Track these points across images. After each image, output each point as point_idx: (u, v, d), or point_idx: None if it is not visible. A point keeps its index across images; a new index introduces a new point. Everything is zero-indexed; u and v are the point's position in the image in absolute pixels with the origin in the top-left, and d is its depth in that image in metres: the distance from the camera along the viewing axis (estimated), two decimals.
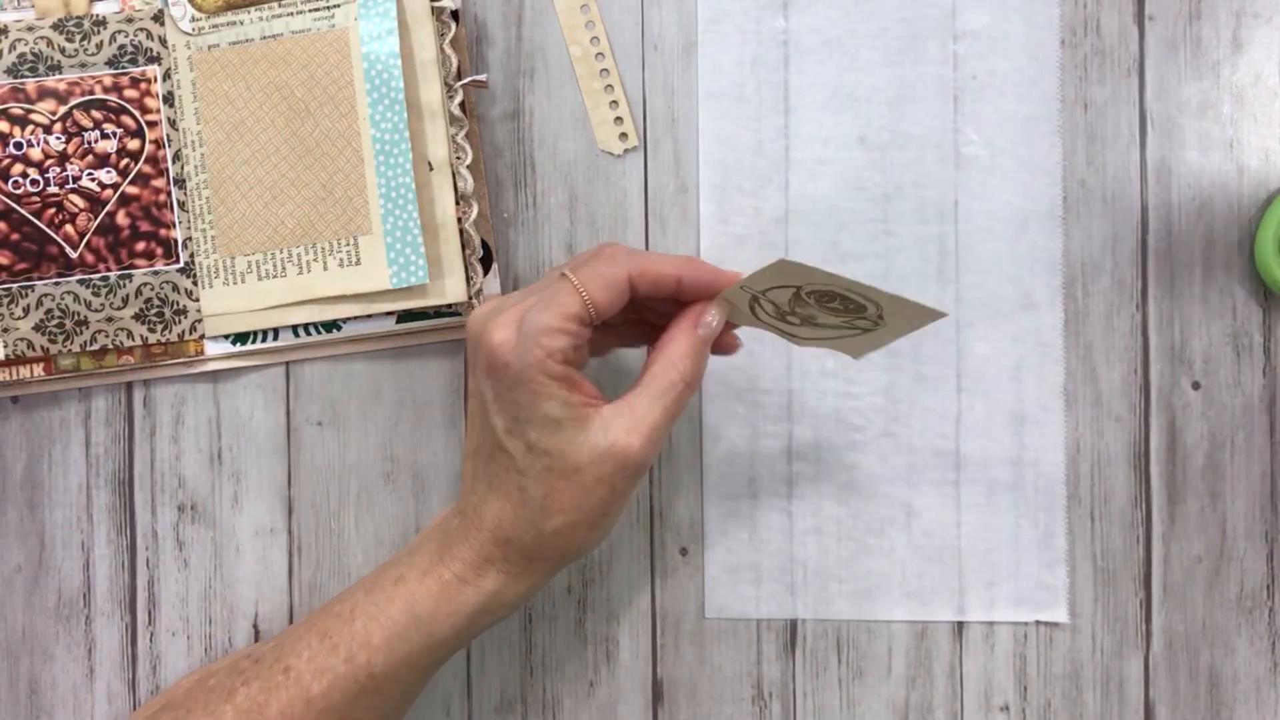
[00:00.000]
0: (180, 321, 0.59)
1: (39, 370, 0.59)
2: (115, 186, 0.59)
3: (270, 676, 0.52)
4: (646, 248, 0.60)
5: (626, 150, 0.60)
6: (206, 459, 0.61)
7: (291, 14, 0.58)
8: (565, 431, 0.49)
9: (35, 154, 0.58)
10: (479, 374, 0.51)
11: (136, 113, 0.59)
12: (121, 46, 0.59)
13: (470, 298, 0.59)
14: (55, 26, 0.58)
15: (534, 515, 0.50)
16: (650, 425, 0.49)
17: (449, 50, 0.59)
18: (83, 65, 0.59)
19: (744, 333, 0.59)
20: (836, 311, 0.51)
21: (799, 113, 0.60)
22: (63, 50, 0.58)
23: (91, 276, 0.59)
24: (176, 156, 0.59)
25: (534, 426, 0.49)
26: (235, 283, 0.59)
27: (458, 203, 0.58)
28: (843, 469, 0.60)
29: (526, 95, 0.60)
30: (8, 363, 0.59)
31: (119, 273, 0.59)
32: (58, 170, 0.58)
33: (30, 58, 0.58)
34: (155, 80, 0.59)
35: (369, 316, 0.59)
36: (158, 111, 0.59)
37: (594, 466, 0.49)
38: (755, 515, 0.60)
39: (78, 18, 0.59)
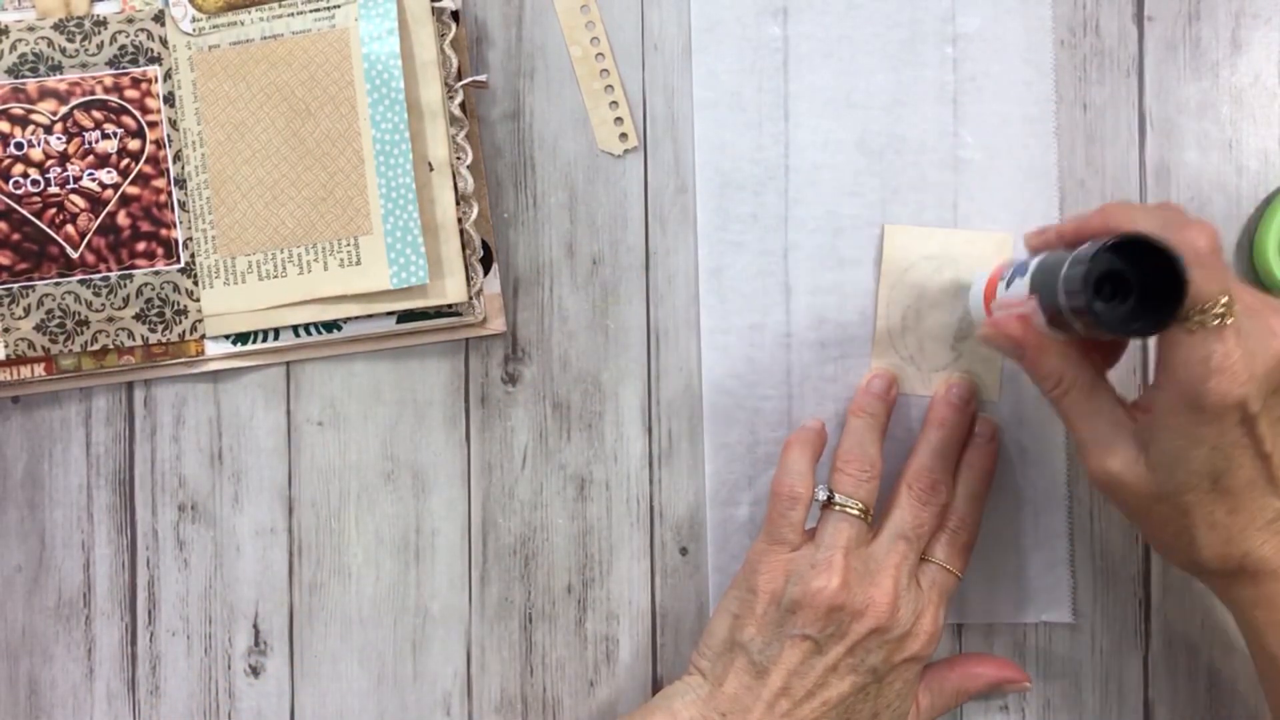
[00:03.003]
0: (181, 321, 0.59)
1: (40, 370, 0.59)
2: (116, 186, 0.59)
3: None
4: (646, 247, 0.60)
5: (626, 150, 0.60)
6: (207, 459, 0.61)
7: (292, 14, 0.58)
8: None
9: (36, 154, 0.58)
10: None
11: (137, 113, 0.59)
12: (122, 47, 0.59)
13: (470, 297, 0.59)
14: (56, 27, 0.59)
15: None
16: None
17: (449, 50, 0.59)
18: (83, 65, 0.59)
19: (743, 337, 0.59)
20: None
21: (796, 119, 0.60)
22: (63, 50, 0.59)
23: (92, 276, 0.59)
24: (177, 157, 0.59)
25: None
26: (236, 283, 0.59)
27: (458, 203, 0.59)
28: None
29: (526, 95, 0.60)
30: (8, 363, 0.59)
31: (120, 273, 0.59)
32: (58, 170, 0.59)
33: (31, 58, 0.59)
34: (156, 80, 0.59)
35: (369, 316, 0.59)
36: (158, 112, 0.59)
37: None
38: (755, 516, 0.60)
39: (78, 18, 0.59)
